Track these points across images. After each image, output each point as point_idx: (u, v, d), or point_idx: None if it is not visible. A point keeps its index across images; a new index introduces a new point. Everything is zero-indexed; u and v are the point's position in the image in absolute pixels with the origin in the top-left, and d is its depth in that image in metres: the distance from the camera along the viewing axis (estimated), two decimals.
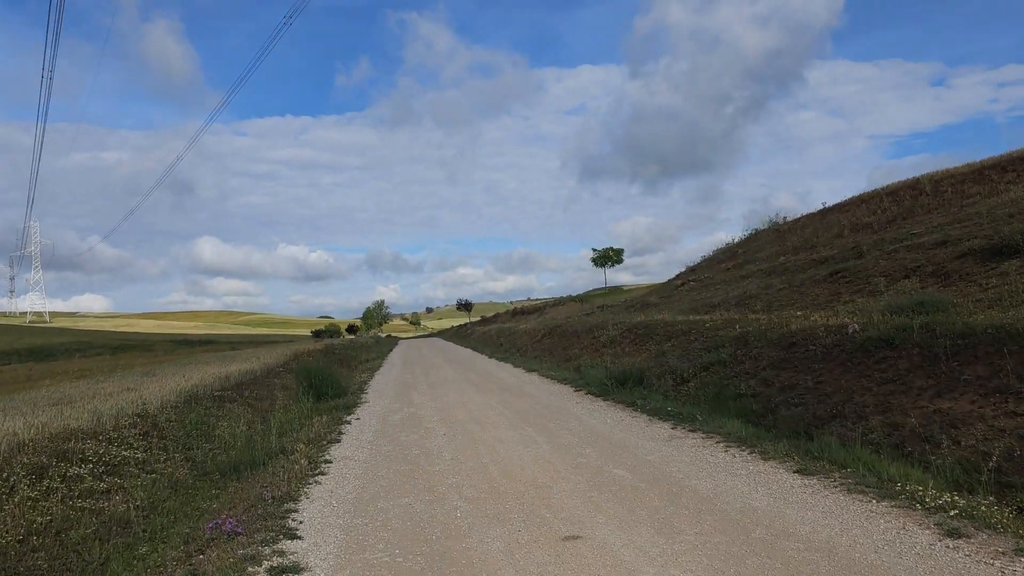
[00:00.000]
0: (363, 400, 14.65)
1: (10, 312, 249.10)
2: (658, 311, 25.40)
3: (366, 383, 18.84)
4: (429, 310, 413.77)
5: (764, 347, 12.17)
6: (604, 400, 12.28)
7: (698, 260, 39.47)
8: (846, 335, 10.61)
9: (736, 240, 37.77)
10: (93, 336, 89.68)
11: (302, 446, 8.96)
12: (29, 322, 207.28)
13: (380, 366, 26.55)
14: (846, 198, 28.81)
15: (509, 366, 22.27)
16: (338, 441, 9.73)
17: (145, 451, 8.83)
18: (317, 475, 7.59)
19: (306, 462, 8.03)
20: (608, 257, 37.79)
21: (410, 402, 13.90)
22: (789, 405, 9.86)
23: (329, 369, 15.83)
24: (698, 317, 18.04)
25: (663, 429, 9.25)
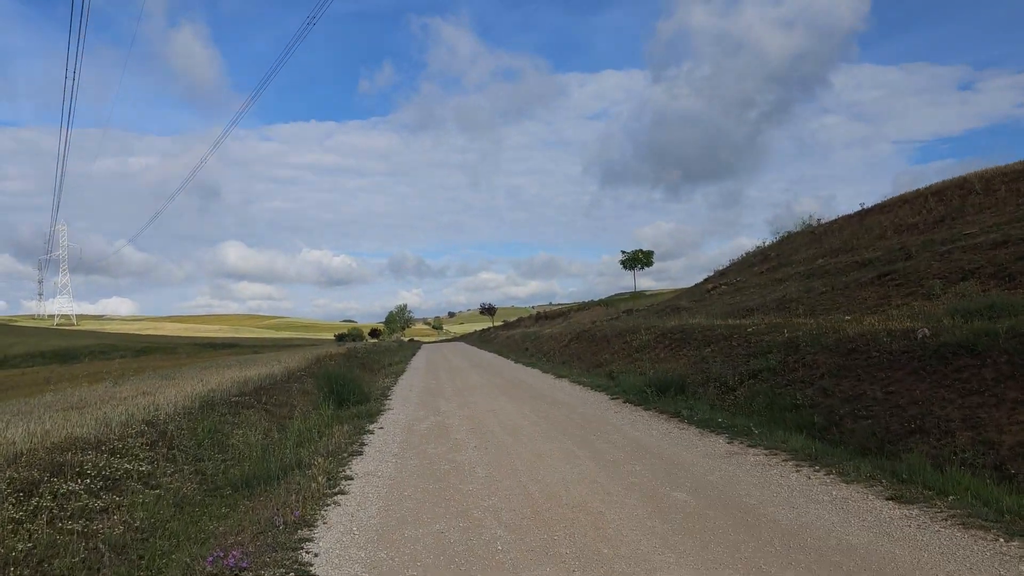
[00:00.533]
0: (386, 407, 13.90)
1: (38, 315, 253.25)
2: (691, 315, 24.44)
3: (389, 389, 18.11)
4: (451, 314, 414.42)
5: (818, 353, 11.22)
6: (645, 409, 11.40)
7: (726, 264, 38.42)
8: (914, 340, 9.64)
9: (768, 243, 36.66)
10: (117, 339, 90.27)
11: (320, 460, 8.19)
12: (56, 324, 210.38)
13: (404, 371, 25.84)
14: (885, 199, 27.64)
15: (537, 371, 21.43)
16: (360, 454, 8.95)
17: (151, 463, 8.11)
18: (336, 494, 6.80)
19: (324, 479, 7.24)
20: (637, 259, 36.36)
21: (436, 410, 13.12)
22: (856, 418, 8.91)
23: (351, 374, 15.14)
24: (737, 322, 17.07)
25: (718, 443, 8.35)
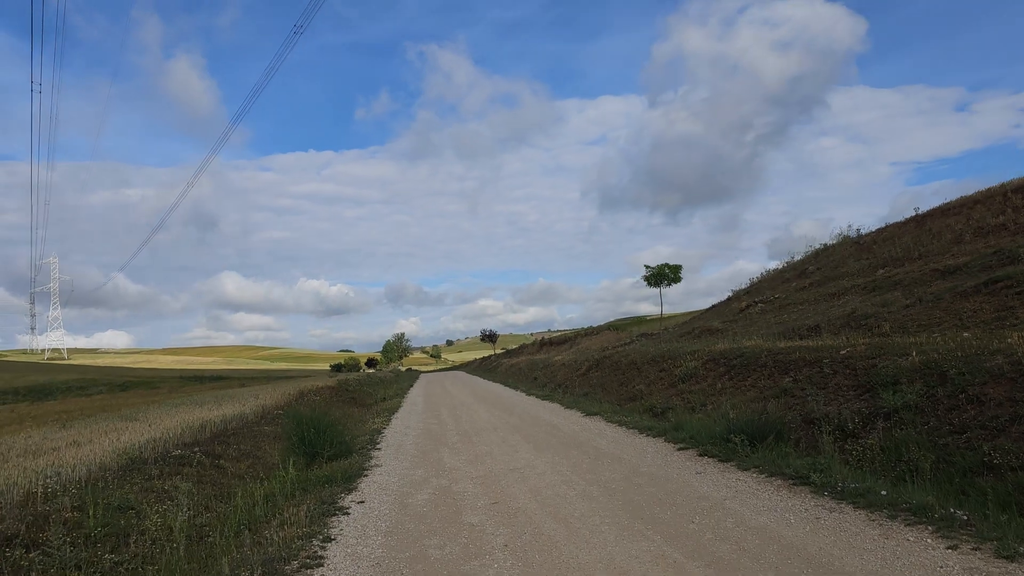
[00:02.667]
0: (373, 462, 10.45)
1: (31, 349, 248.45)
2: (730, 337, 21.14)
3: (380, 432, 14.66)
4: (450, 343, 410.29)
5: (985, 384, 7.87)
6: (740, 468, 7.98)
7: (746, 283, 35.14)
8: None
9: (798, 257, 33.47)
10: (101, 373, 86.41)
11: None
12: (47, 359, 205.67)
13: (399, 406, 22.37)
14: (946, 201, 24.46)
15: (558, 407, 17.98)
16: (319, 562, 5.51)
17: None
18: None
19: None
20: (664, 275, 32.23)
21: (439, 466, 9.69)
22: None
23: (328, 417, 11.76)
24: (811, 343, 13.72)
25: (911, 539, 4.96)
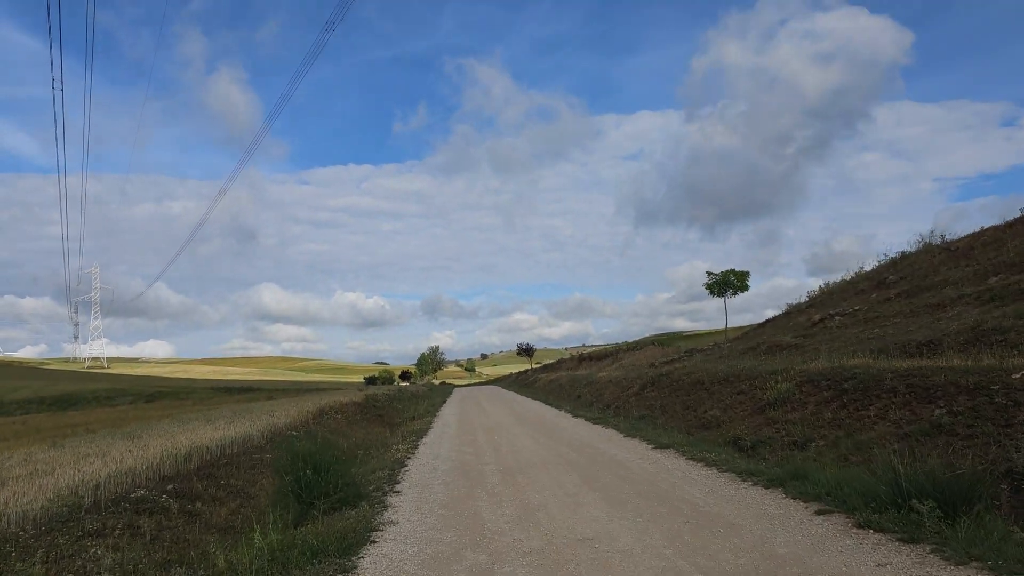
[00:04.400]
0: (386, 516, 7.78)
1: (74, 357, 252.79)
2: (811, 354, 18.14)
3: (403, 464, 12.03)
4: (484, 356, 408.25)
5: None
6: (944, 559, 5.07)
7: (804, 298, 31.87)
8: None
9: (870, 268, 30.24)
10: (133, 383, 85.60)
11: None
12: (87, 368, 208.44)
13: (429, 427, 19.76)
14: None
15: (614, 434, 15.15)
16: None
17: None
18: None
19: None
20: (728, 283, 28.20)
21: (476, 527, 6.99)
22: None
23: (336, 448, 9.21)
24: (960, 363, 10.65)
25: None
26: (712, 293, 22.82)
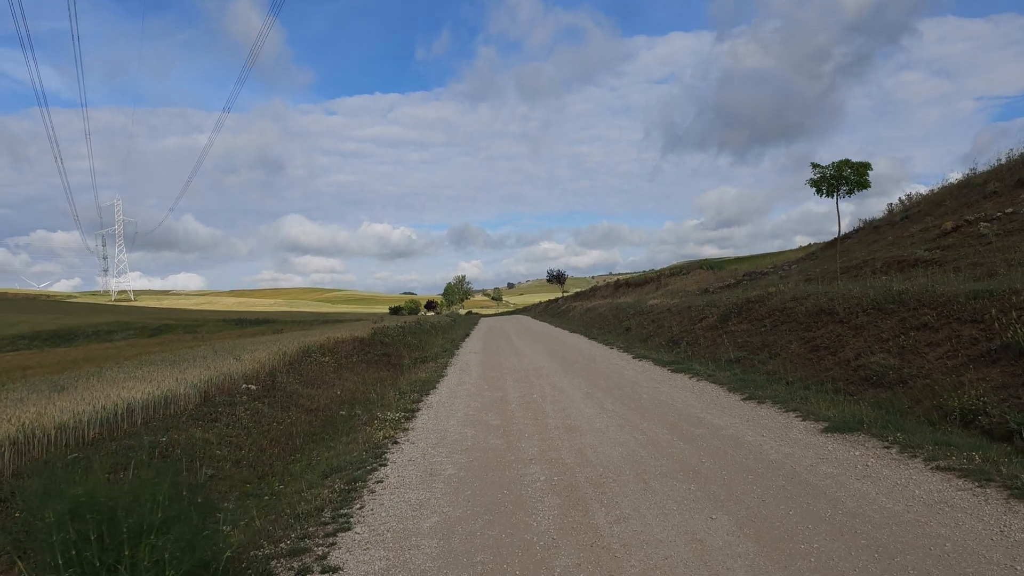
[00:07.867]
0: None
1: (104, 290, 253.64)
2: (971, 271, 12.68)
3: (383, 455, 6.98)
4: (511, 285, 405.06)
5: None
6: None
7: (896, 203, 26.01)
8: None
9: (983, 167, 24.22)
10: (142, 315, 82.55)
11: None
12: (114, 300, 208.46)
13: (443, 374, 14.73)
14: None
15: (721, 392, 9.90)
16: None
17: None
18: None
19: None
20: (842, 178, 18.65)
21: None
22: None
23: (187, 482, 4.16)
24: None
25: None
26: (819, 192, 16.82)
